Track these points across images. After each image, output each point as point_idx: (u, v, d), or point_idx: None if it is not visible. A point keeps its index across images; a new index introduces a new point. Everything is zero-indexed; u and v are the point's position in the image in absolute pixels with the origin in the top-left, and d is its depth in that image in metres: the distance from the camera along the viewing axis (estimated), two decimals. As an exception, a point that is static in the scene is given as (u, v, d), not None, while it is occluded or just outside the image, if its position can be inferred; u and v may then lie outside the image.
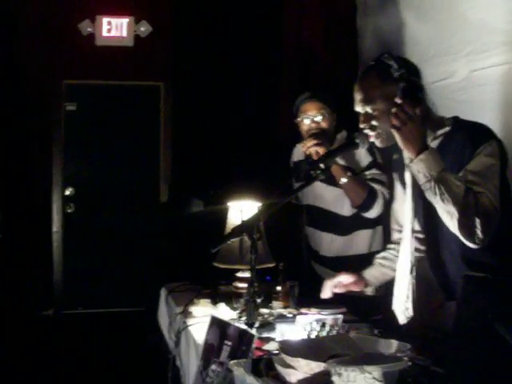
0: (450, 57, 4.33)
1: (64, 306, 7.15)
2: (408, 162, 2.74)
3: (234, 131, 6.47)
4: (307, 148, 3.98)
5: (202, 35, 6.63)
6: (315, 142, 3.94)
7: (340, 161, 3.92)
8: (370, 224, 4.09)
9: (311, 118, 4.10)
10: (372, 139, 2.92)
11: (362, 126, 2.93)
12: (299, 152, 4.40)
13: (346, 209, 4.12)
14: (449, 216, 2.56)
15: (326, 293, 3.38)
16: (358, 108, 2.93)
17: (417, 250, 2.99)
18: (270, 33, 6.49)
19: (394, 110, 2.66)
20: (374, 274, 3.37)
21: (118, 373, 5.44)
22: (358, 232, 4.16)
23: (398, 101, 2.67)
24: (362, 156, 4.00)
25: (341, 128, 4.18)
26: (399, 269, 3.06)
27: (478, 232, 2.52)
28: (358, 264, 3.51)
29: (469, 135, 2.72)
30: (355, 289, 3.37)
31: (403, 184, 3.10)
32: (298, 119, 4.16)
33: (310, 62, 6.08)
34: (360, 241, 4.15)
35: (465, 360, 1.85)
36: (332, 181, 3.93)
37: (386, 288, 3.93)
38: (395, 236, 3.35)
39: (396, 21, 5.09)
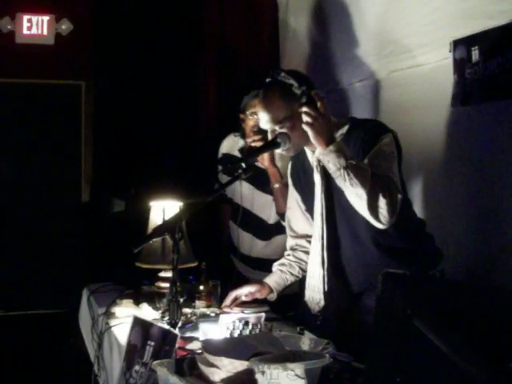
0: (370, 58, 4.39)
1: (-17, 309, 6.99)
2: (318, 155, 2.93)
3: (156, 131, 6.42)
4: (253, 141, 4.02)
5: (123, 33, 6.55)
6: (261, 136, 3.98)
7: (278, 163, 3.99)
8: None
9: None
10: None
11: None
12: (229, 144, 4.41)
13: (272, 217, 4.20)
14: (358, 198, 2.72)
15: (227, 302, 3.49)
16: (266, 126, 3.06)
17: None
18: (190, 29, 6.45)
19: (305, 109, 2.83)
20: (276, 280, 3.49)
21: (40, 376, 5.35)
22: (277, 237, 4.23)
23: (304, 109, 2.83)
24: None
25: None
26: (311, 262, 3.21)
27: (384, 212, 2.71)
28: None
29: (367, 130, 2.93)
30: (260, 296, 3.47)
31: (300, 188, 3.33)
32: (247, 113, 4.15)
33: (232, 59, 6.08)
34: (278, 245, 4.18)
35: (386, 356, 1.88)
36: (261, 186, 3.98)
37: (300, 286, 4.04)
38: (290, 242, 3.54)
39: (317, 21, 5.12)
